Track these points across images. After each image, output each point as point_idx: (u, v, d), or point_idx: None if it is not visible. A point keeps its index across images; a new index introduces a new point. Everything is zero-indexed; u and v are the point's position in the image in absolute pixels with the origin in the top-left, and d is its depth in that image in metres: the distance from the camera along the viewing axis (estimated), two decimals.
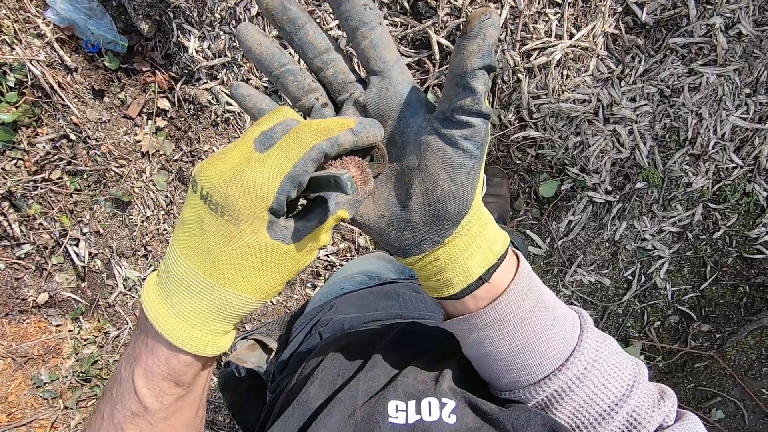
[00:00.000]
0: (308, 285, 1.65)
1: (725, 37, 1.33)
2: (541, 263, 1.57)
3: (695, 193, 1.48)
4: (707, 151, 1.43)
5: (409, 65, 1.45)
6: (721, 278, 1.53)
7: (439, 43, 1.39)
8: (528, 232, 1.55)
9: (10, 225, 1.74)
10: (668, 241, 1.53)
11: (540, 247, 1.55)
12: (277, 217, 0.31)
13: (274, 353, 0.69)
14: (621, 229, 1.52)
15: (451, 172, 0.33)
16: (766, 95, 1.38)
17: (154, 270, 1.60)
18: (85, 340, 1.76)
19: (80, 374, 1.73)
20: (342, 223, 1.60)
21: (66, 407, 1.73)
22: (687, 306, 1.59)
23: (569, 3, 1.35)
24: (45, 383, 1.73)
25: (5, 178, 1.67)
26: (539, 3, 1.35)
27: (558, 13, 1.37)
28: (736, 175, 1.45)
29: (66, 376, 1.74)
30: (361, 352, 0.45)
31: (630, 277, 1.56)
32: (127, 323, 1.74)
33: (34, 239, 1.78)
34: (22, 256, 1.79)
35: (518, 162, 1.50)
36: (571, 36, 1.37)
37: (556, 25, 1.37)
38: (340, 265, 1.62)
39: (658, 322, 1.61)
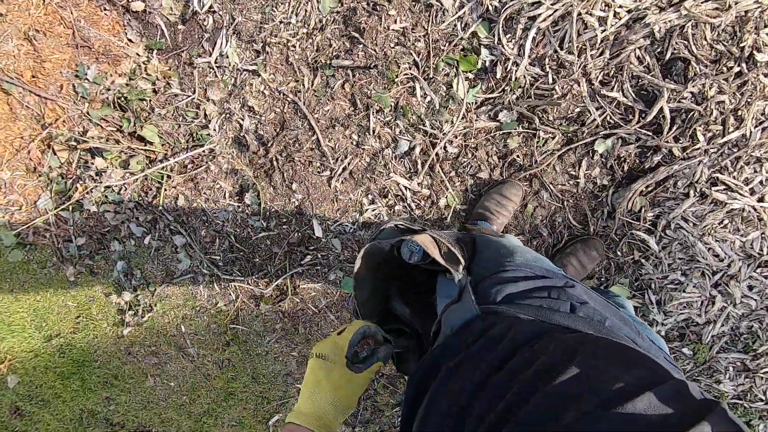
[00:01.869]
0: (369, 196, 1.59)
1: None
2: None
3: (715, 392, 1.52)
4: (757, 372, 1.46)
5: (618, 103, 1.37)
6: None
7: (661, 109, 1.32)
8: None
9: None
10: None
11: None
12: (351, 361, 0.68)
13: (462, 266, 0.64)
14: None
15: None
16: None
17: (255, 69, 1.47)
18: (147, 74, 1.64)
19: (122, 97, 1.63)
20: (440, 173, 1.54)
21: (88, 113, 1.63)
22: None
23: None
24: (87, 78, 1.61)
25: None
26: (767, 152, 1.30)
27: None
28: (757, 406, 1.50)
29: (108, 89, 1.62)
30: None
31: None
32: (194, 92, 1.63)
33: None
34: None
35: (618, 253, 1.48)
36: (761, 199, 1.33)
37: (760, 181, 1.32)
38: (410, 204, 1.57)
39: None
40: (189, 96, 1.65)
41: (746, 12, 1.24)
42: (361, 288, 0.74)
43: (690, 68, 1.29)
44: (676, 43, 1.28)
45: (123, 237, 1.81)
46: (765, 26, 1.24)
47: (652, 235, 1.44)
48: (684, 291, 1.44)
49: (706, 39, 1.27)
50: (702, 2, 1.25)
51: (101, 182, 1.68)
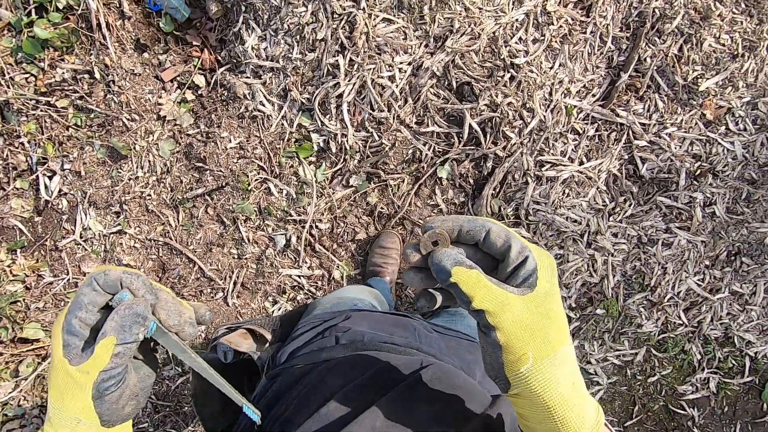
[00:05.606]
0: (270, 298, 1.62)
1: (701, 212, 1.54)
2: None
3: (643, 336, 1.61)
4: (662, 302, 1.59)
5: (437, 134, 1.56)
6: (645, 422, 1.63)
7: (470, 126, 1.52)
8: None
9: None
10: (609, 371, 1.63)
11: None
12: None
13: (268, 343, 0.69)
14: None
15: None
16: (721, 272, 1.57)
17: (120, 229, 1.53)
18: (14, 275, 1.63)
19: None
20: (323, 251, 1.62)
21: None
22: None
23: (588, 136, 1.53)
24: None
25: (9, 87, 1.61)
26: (564, 126, 1.53)
27: (576, 140, 1.54)
28: (680, 332, 1.60)
29: None
30: (388, 380, 0.48)
31: None
32: (68, 273, 1.63)
33: (6, 155, 1.68)
34: None
35: None
36: (581, 163, 1.54)
37: (572, 149, 1.54)
38: (309, 289, 1.62)
39: None
40: (64, 278, 1.64)
41: (493, 33, 1.52)
42: (207, 405, 0.72)
43: (475, 87, 1.52)
44: (455, 73, 1.52)
45: None
46: (511, 37, 1.52)
47: (521, 226, 1.58)
48: (568, 261, 1.57)
49: (475, 63, 1.52)
50: (459, 38, 1.51)
51: None
